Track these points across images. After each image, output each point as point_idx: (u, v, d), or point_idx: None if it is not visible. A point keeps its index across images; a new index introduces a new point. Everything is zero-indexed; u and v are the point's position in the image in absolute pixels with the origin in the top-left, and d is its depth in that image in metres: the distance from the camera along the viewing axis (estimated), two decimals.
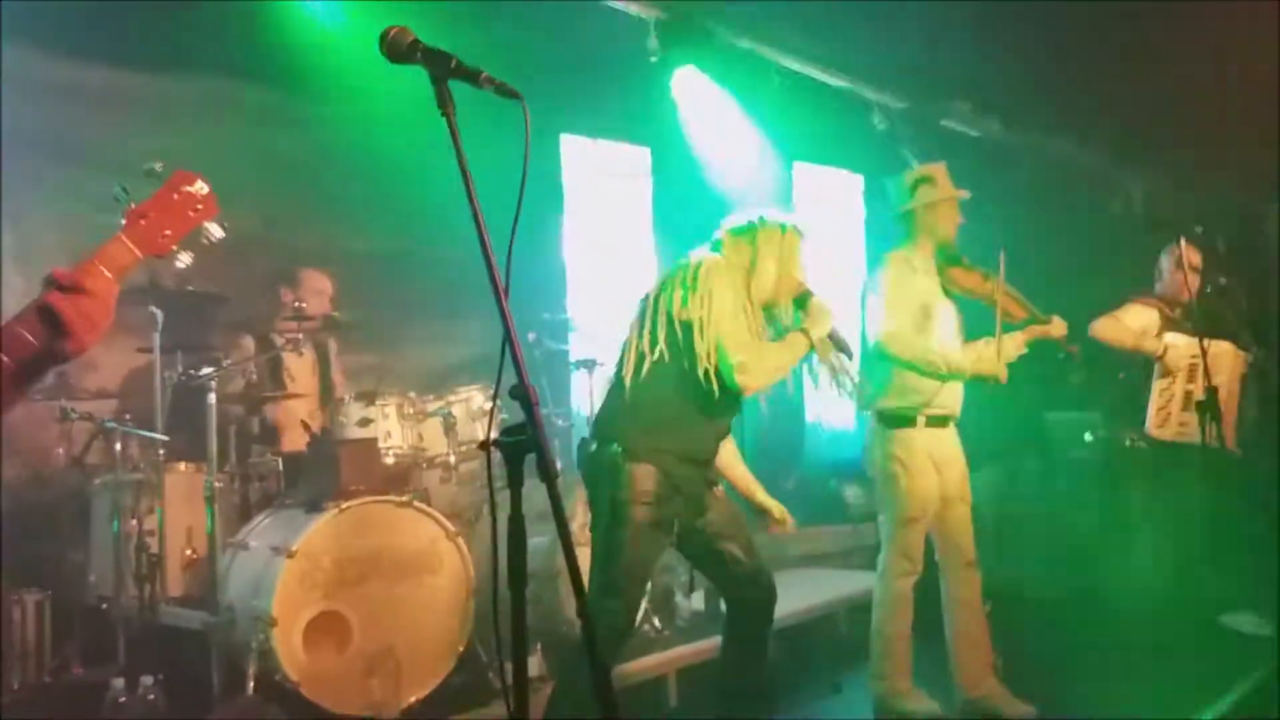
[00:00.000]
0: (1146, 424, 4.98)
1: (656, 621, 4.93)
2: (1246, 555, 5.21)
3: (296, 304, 4.60)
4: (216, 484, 3.98)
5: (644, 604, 4.75)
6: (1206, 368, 4.35)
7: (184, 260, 1.86)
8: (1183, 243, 5.02)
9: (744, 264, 3.30)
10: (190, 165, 1.84)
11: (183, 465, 4.38)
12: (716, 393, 3.14)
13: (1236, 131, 6.36)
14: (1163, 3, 5.48)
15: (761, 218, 3.38)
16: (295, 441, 4.81)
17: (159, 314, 4.15)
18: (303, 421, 4.72)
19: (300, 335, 4.48)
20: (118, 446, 4.24)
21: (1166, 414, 4.96)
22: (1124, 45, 6.15)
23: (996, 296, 4.15)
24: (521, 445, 1.86)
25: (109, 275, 1.70)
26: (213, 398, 4.01)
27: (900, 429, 4.13)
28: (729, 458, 3.55)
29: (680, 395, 3.19)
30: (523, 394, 1.87)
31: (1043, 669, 4.64)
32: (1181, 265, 5.01)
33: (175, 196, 1.82)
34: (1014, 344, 4.26)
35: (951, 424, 4.25)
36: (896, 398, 4.13)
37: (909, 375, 4.10)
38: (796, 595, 5.88)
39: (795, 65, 6.30)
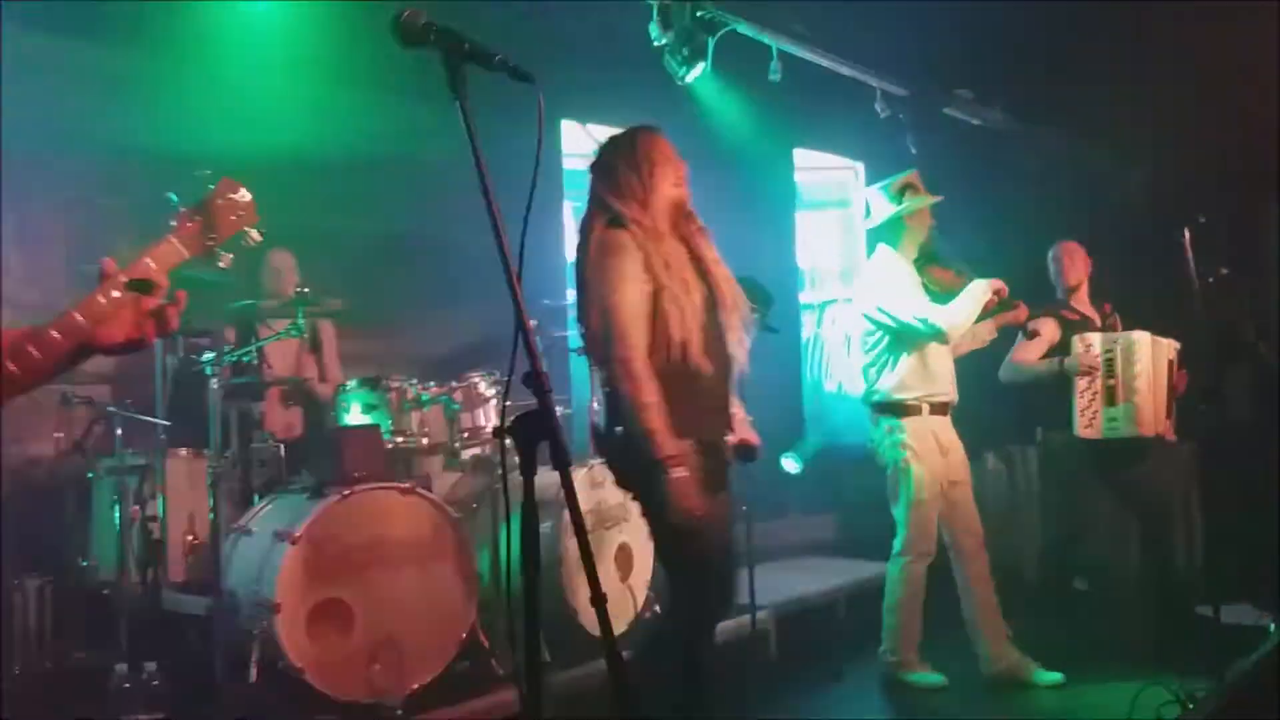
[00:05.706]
0: (1075, 427, 4.94)
1: (658, 609, 4.94)
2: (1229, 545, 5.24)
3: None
4: (218, 469, 3.98)
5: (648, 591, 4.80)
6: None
7: (225, 262, 1.96)
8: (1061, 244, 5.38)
9: None
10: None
11: (184, 450, 4.36)
12: None
13: (1238, 123, 6.34)
14: None
15: None
16: (279, 430, 4.82)
17: None
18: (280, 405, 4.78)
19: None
20: (119, 431, 4.23)
21: (1093, 413, 4.93)
22: (1126, 35, 6.13)
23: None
24: (536, 433, 1.85)
25: (158, 270, 1.79)
26: (215, 383, 4.00)
27: (907, 418, 4.50)
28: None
29: None
30: (536, 381, 1.86)
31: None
32: (1059, 261, 5.34)
33: (220, 202, 1.93)
34: (986, 329, 4.74)
35: (949, 412, 4.61)
36: (900, 390, 4.52)
37: (911, 368, 4.50)
38: (796, 583, 5.90)
39: (797, 50, 6.25)
